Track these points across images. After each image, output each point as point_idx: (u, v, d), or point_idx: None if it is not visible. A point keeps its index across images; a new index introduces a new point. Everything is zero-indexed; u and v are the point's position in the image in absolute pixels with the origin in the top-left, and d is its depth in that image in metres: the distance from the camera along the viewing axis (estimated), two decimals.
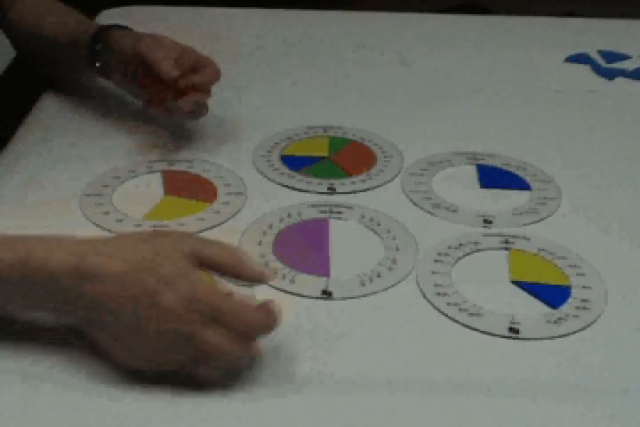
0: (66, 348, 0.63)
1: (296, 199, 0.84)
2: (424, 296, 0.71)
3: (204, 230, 0.78)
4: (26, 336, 0.64)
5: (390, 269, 0.74)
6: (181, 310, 0.56)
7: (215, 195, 0.84)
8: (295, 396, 0.61)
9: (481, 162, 0.91)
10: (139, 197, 0.83)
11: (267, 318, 0.59)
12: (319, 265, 0.74)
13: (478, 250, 0.77)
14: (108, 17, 1.26)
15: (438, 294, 0.71)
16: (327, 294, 0.71)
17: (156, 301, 0.56)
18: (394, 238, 0.78)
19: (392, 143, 0.94)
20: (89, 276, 0.57)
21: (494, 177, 0.89)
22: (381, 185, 0.87)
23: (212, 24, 1.25)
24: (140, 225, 0.78)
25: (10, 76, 1.02)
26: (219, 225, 0.79)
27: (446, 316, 0.69)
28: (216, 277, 0.61)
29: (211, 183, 0.86)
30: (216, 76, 0.86)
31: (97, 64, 0.90)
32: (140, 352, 0.59)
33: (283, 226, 0.79)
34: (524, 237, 0.79)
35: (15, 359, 0.62)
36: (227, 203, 0.83)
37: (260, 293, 0.70)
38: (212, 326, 0.57)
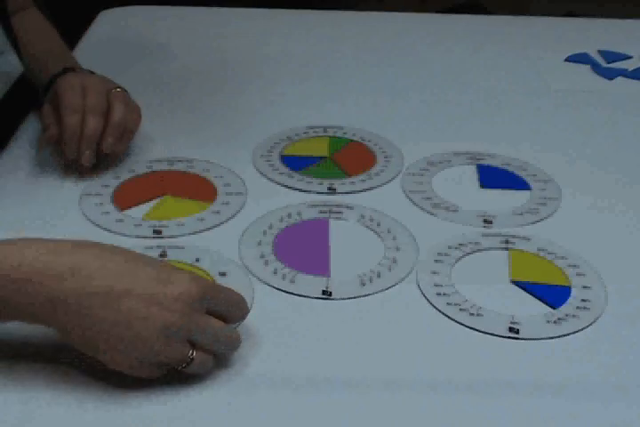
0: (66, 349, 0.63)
1: (296, 199, 0.83)
2: (424, 296, 0.71)
3: (204, 230, 0.78)
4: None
5: (390, 269, 0.74)
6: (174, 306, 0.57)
7: (215, 195, 0.84)
8: (295, 396, 0.61)
9: (481, 162, 0.91)
10: None
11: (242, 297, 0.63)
12: (319, 265, 0.74)
13: (478, 250, 0.77)
14: (108, 17, 1.26)
15: (438, 294, 0.71)
16: (327, 294, 0.71)
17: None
18: (394, 238, 0.78)
19: (392, 143, 0.94)
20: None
21: (494, 177, 0.89)
22: (381, 185, 0.87)
23: (213, 24, 1.25)
24: (139, 225, 0.78)
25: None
26: (219, 225, 0.79)
27: (446, 316, 0.69)
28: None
29: (211, 183, 0.86)
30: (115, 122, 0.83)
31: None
32: (135, 353, 0.57)
33: (283, 226, 0.79)
34: (524, 237, 0.79)
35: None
36: (227, 203, 0.83)
37: (261, 292, 0.71)
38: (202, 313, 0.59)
